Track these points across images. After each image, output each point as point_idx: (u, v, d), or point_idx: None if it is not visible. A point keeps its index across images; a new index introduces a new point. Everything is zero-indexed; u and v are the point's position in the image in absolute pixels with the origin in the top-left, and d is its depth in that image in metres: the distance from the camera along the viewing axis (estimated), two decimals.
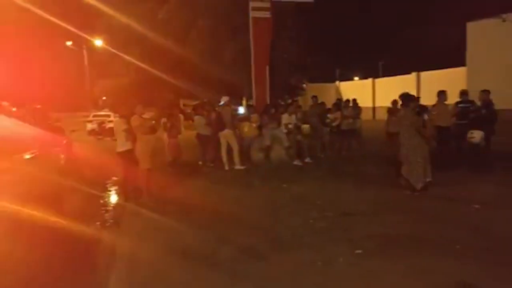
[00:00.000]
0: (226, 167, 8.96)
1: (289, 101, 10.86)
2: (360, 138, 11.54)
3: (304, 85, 19.91)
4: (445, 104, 8.43)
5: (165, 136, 9.04)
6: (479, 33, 12.44)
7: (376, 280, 3.45)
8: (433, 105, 9.22)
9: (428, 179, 6.35)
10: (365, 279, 3.47)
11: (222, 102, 9.23)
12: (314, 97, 11.70)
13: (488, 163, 7.61)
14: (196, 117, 8.90)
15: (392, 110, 11.83)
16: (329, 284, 3.43)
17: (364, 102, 23.32)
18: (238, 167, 8.85)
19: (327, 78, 28.29)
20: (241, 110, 15.59)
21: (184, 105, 19.97)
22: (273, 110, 10.48)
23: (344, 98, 14.36)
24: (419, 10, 28.41)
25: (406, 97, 6.78)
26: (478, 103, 8.03)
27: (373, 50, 30.57)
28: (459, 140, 8.34)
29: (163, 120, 9.09)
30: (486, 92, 7.94)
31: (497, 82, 10.88)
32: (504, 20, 11.67)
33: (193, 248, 4.36)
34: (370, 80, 26.44)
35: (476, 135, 7.57)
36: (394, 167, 6.96)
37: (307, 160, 9.67)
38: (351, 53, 31.40)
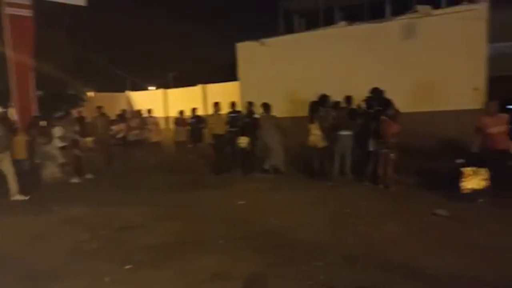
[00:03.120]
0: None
1: (64, 112, 9.69)
2: (147, 148, 11.47)
3: (89, 95, 18.33)
4: (219, 114, 9.46)
5: None
6: (246, 52, 14.62)
7: None
8: (210, 115, 10.21)
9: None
10: None
11: None
12: (99, 107, 10.97)
13: (254, 164, 8.95)
14: None
15: (178, 121, 12.38)
16: None
17: (157, 112, 23.49)
18: (16, 197, 7.19)
19: (119, 88, 27.13)
20: None
21: None
22: (44, 123, 9.14)
23: (137, 108, 14.03)
24: (203, 31, 31.59)
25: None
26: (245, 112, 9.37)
27: (165, 62, 31.51)
28: (232, 146, 9.47)
29: None
30: (250, 103, 9.36)
31: (263, 94, 12.88)
32: (262, 44, 14.11)
33: None
34: (161, 90, 26.87)
35: (243, 141, 8.80)
36: (177, 174, 7.12)
37: (88, 176, 8.90)
38: (144, 64, 31.33)
